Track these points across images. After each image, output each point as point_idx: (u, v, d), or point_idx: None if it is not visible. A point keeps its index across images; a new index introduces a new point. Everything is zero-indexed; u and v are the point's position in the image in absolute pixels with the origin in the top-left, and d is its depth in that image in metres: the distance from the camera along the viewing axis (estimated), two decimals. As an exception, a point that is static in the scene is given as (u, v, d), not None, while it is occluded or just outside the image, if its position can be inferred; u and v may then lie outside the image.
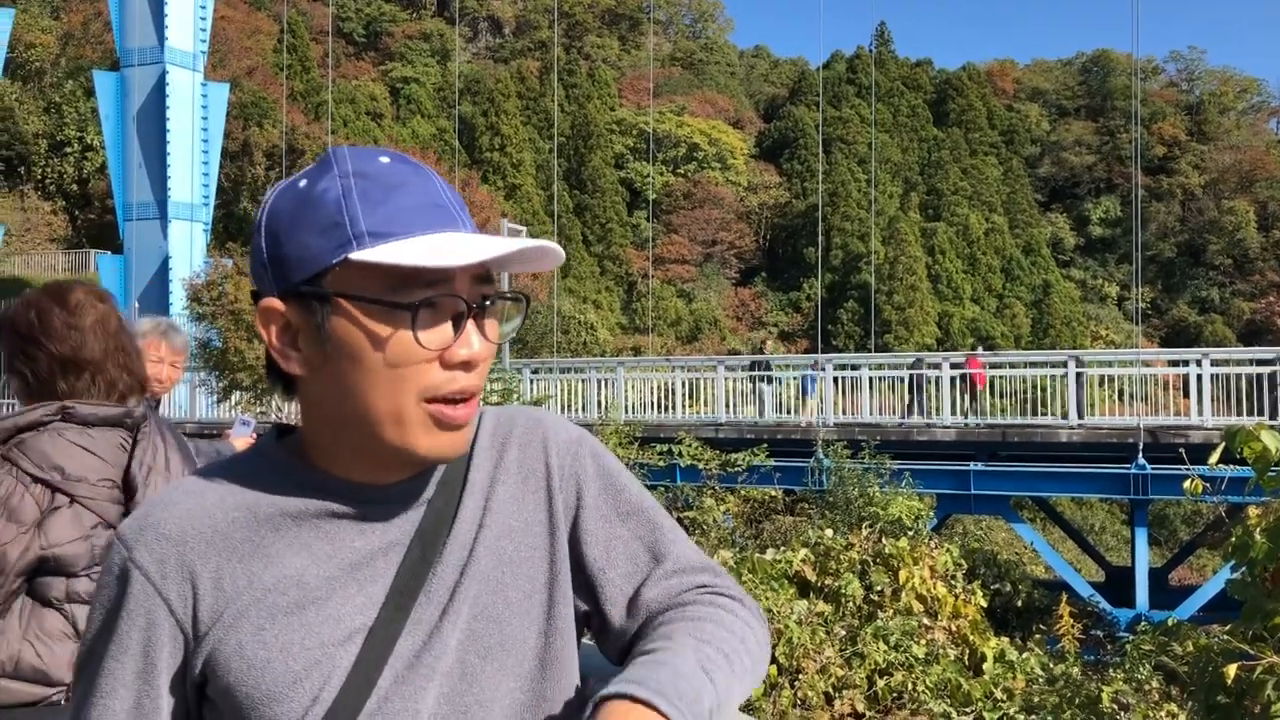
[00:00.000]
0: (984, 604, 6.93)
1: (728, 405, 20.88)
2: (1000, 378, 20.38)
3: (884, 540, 7.02)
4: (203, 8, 28.58)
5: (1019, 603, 14.87)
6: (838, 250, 58.33)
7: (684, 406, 21.62)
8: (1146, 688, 5.60)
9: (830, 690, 5.78)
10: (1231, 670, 3.11)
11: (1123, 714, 5.30)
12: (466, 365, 0.96)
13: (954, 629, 6.49)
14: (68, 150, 44.56)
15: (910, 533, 10.58)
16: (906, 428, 19.31)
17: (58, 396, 2.34)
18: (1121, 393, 20.76)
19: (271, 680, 0.95)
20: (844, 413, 20.44)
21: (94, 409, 2.34)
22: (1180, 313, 62.62)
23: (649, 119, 60.72)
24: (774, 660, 5.76)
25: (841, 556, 6.79)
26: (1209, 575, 20.85)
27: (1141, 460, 16.16)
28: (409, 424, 0.96)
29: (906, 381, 20.32)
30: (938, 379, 19.58)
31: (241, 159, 42.36)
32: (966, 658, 6.36)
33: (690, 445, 16.92)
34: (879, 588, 6.54)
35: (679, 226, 61.55)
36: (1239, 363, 18.84)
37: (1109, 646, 8.85)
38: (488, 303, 0.98)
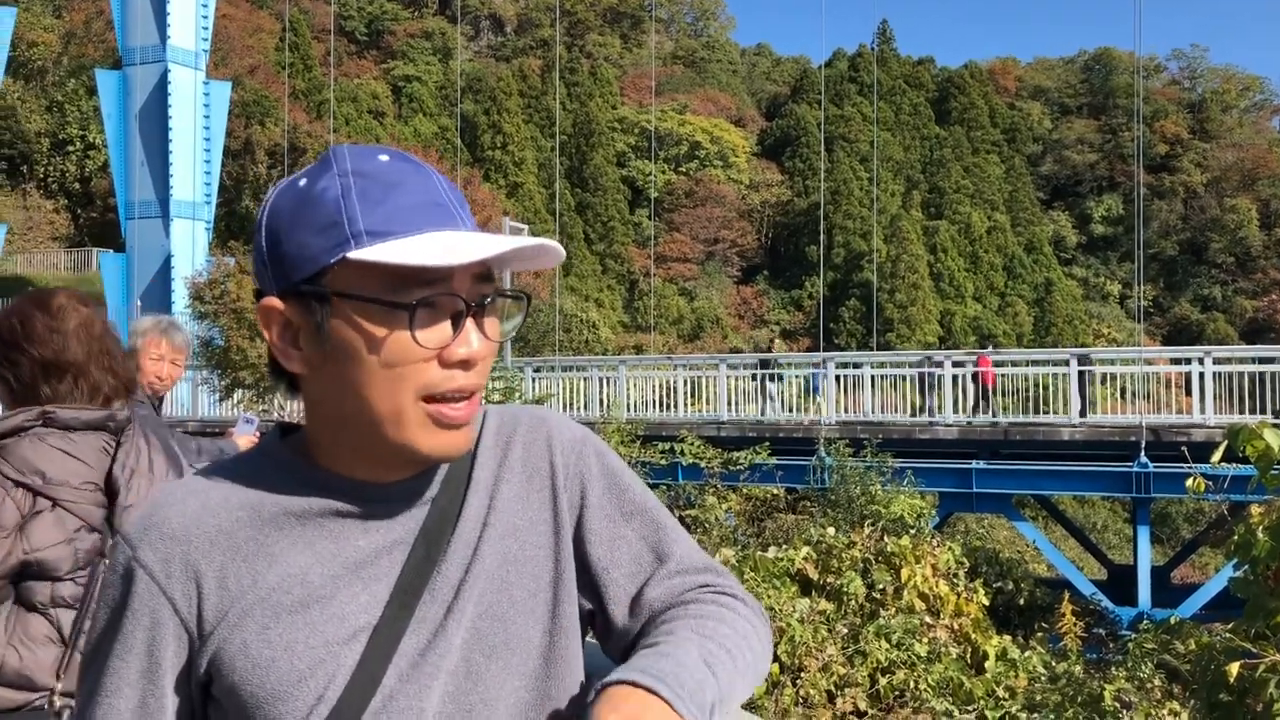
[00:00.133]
0: (986, 602, 6.93)
1: (730, 403, 20.89)
2: (1003, 376, 20.38)
3: (886, 538, 7.02)
4: (204, 6, 28.57)
5: (1021, 601, 14.88)
6: (840, 248, 58.31)
7: (686, 405, 21.62)
8: (1149, 686, 5.60)
9: (832, 688, 5.78)
10: (1234, 668, 3.11)
11: (1125, 712, 5.30)
12: (465, 364, 0.96)
13: (956, 627, 6.49)
14: (70, 149, 44.60)
15: (912, 531, 10.57)
16: (909, 426, 19.31)
17: (40, 401, 2.35)
18: (1124, 391, 20.76)
19: (276, 679, 0.95)
20: (846, 411, 20.44)
21: (75, 413, 2.34)
22: (1182, 311, 62.57)
23: (651, 117, 60.72)
24: (776, 658, 5.77)
25: (843, 555, 6.79)
26: (1211, 573, 20.84)
27: (1144, 458, 16.15)
28: (408, 423, 0.96)
29: (916, 380, 20.30)
30: (948, 377, 19.55)
31: (243, 157, 42.37)
32: (968, 656, 6.36)
33: (692, 444, 16.92)
34: (881, 586, 6.54)
35: (681, 225, 61.55)
36: (1241, 361, 18.84)
37: (1111, 645, 8.83)
38: (488, 301, 0.98)
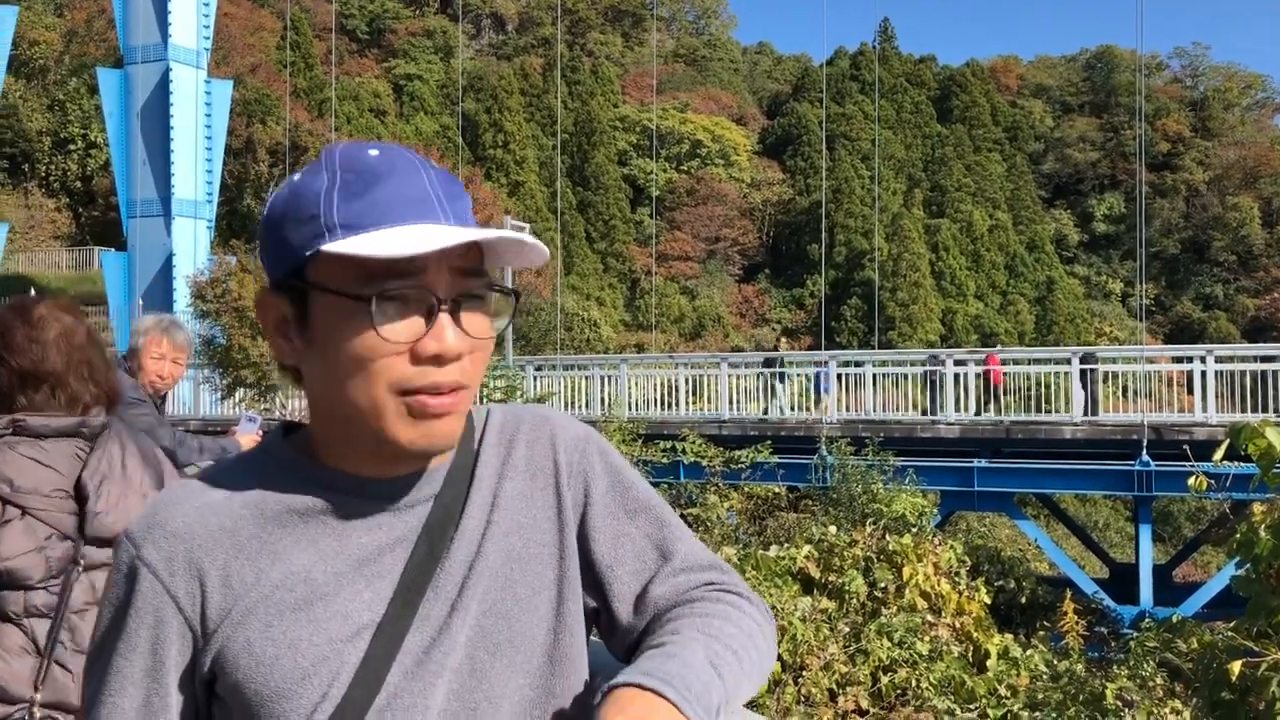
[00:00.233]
0: (988, 601, 6.92)
1: (731, 402, 20.89)
2: (1005, 374, 20.38)
3: (888, 537, 7.01)
4: (206, 5, 28.55)
5: (1023, 599, 14.87)
6: (841, 247, 58.28)
7: (688, 403, 21.62)
8: (1150, 685, 5.60)
9: (834, 687, 5.78)
10: (1236, 667, 3.11)
11: (1127, 711, 5.30)
12: (438, 359, 0.95)
13: (958, 626, 6.49)
14: (71, 147, 44.60)
15: (914, 529, 10.56)
16: (911, 424, 19.30)
17: (15, 410, 2.34)
18: (1126, 389, 20.75)
19: (280, 677, 0.95)
20: (847, 410, 20.44)
21: (46, 421, 2.33)
22: (1184, 309, 62.53)
23: (652, 115, 60.69)
24: (778, 657, 5.77)
25: (845, 553, 6.79)
26: (1213, 572, 20.85)
27: (1146, 457, 16.15)
28: (386, 414, 0.95)
29: (923, 379, 20.27)
30: (955, 375, 19.52)
31: (245, 156, 42.35)
32: (970, 654, 6.35)
33: (694, 442, 16.91)
34: (883, 584, 6.53)
35: (682, 223, 61.53)
36: (1243, 359, 18.83)
37: (1113, 643, 8.82)
38: (473, 296, 0.97)
